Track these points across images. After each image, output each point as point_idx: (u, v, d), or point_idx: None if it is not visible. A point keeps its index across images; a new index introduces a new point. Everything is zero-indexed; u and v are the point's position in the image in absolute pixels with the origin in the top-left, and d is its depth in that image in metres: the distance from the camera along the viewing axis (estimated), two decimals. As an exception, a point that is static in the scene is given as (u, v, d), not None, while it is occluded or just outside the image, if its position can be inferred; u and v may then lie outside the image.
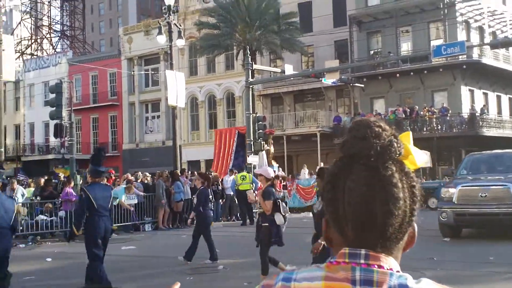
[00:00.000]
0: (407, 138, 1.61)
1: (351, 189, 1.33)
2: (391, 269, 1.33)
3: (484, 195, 14.48)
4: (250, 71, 31.18)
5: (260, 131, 30.39)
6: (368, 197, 1.31)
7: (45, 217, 20.02)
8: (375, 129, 1.37)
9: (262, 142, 30.39)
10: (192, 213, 14.58)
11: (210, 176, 25.31)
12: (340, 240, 1.38)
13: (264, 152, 30.68)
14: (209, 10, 44.41)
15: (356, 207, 1.32)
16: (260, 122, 30.93)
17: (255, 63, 35.74)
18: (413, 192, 1.36)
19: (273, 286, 1.38)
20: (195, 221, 14.23)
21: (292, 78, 39.44)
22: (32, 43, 78.11)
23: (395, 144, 1.36)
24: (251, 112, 30.73)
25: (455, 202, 14.87)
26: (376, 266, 1.32)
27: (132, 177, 24.24)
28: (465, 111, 39.62)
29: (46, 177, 24.26)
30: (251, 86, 31.84)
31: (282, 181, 28.80)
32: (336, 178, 1.37)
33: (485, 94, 43.29)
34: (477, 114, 39.21)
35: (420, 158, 1.52)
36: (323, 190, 1.41)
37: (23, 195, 21.73)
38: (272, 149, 33.49)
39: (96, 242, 9.47)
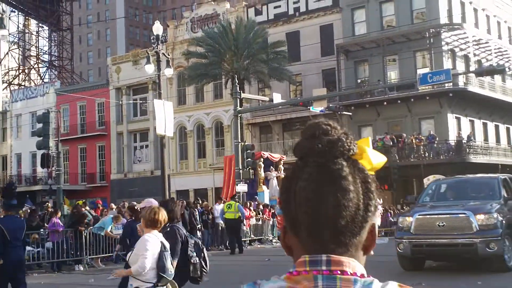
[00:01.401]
0: (366, 142, 1.59)
1: (301, 187, 1.30)
2: (354, 273, 1.29)
3: (442, 224, 13.25)
4: (238, 100, 31.31)
5: (249, 159, 30.41)
6: (317, 192, 1.29)
7: (31, 248, 19.80)
8: (323, 127, 1.36)
9: (251, 171, 30.39)
10: (118, 245, 14.32)
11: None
12: (298, 245, 1.34)
13: (274, 178, 30.67)
14: (197, 39, 44.67)
15: (307, 204, 1.29)
16: (249, 151, 30.96)
17: (244, 92, 35.90)
18: (367, 187, 1.33)
19: None
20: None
21: (280, 107, 39.56)
22: (19, 73, 78.12)
23: (344, 140, 1.34)
24: (239, 141, 30.79)
25: (412, 232, 13.60)
26: (339, 272, 1.28)
27: (121, 206, 24.09)
28: (452, 138, 39.87)
29: (31, 208, 24.08)
30: (239, 114, 31.94)
31: (271, 209, 28.76)
32: (289, 181, 1.34)
33: (472, 121, 43.62)
34: (464, 141, 39.46)
35: (376, 158, 1.49)
36: (279, 195, 1.39)
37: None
38: (278, 173, 33.20)
39: (7, 273, 9.63)
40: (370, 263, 1.58)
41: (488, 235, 12.86)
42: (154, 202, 7.72)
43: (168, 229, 6.93)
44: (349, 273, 1.28)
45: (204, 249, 7.63)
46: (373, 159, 1.44)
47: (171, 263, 6.38)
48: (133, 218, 13.27)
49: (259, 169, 32.94)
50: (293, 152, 1.39)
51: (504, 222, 13.19)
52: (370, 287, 1.27)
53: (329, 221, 1.28)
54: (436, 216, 13.63)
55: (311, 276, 1.28)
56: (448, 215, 13.48)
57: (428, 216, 13.82)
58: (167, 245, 6.39)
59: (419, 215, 13.83)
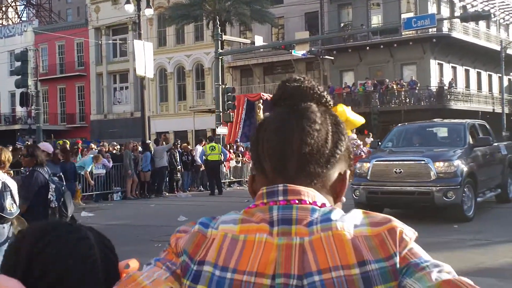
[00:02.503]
0: (343, 113, 1.60)
1: (270, 124, 1.31)
2: (314, 202, 1.25)
3: (399, 171, 12.73)
4: (219, 42, 30.92)
5: (229, 102, 30.26)
6: (284, 127, 1.28)
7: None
8: (296, 77, 1.36)
9: (232, 114, 30.30)
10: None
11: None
12: (262, 180, 1.32)
13: None
14: (179, -21, 43.86)
15: (272, 138, 1.29)
16: (229, 94, 30.77)
17: (225, 34, 35.46)
18: (338, 129, 1.32)
19: (190, 230, 1.32)
20: None
21: (262, 50, 39.24)
22: (-4, 12, 76.47)
23: (316, 87, 1.35)
24: (220, 84, 30.57)
25: (369, 179, 13.12)
26: (296, 201, 1.24)
27: (100, 147, 23.98)
28: (434, 85, 39.93)
29: (12, 147, 23.87)
30: (220, 57, 31.62)
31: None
32: (259, 125, 1.35)
33: (454, 68, 43.66)
34: (445, 87, 39.55)
35: (352, 113, 1.48)
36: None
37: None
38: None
39: None
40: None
41: (446, 183, 12.44)
42: (47, 146, 8.85)
43: (28, 173, 7.19)
44: (308, 202, 1.24)
45: (67, 194, 7.60)
46: (348, 113, 1.44)
47: (14, 203, 6.41)
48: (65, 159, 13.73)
49: (258, 111, 32.80)
50: (271, 100, 1.42)
51: (465, 170, 12.76)
52: (329, 216, 1.22)
53: (293, 150, 1.27)
54: (393, 162, 13.12)
55: (267, 208, 1.24)
56: (406, 162, 12.94)
57: (385, 162, 13.27)
58: (12, 185, 6.46)
59: (376, 161, 13.33)
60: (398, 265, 1.18)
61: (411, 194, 12.78)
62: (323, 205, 1.25)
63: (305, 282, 1.17)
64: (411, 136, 15.00)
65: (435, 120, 16.75)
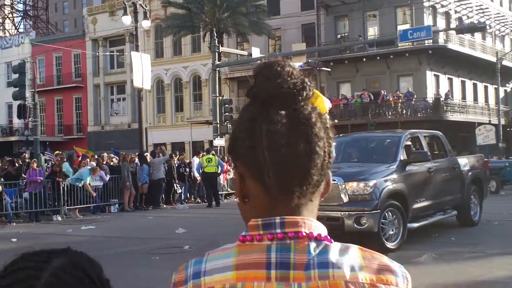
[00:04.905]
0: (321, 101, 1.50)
1: (271, 131, 1.21)
2: (311, 233, 1.23)
3: None
4: (217, 54, 31.07)
5: (226, 114, 30.33)
6: (290, 138, 1.21)
7: (9, 199, 19.76)
8: (287, 68, 1.27)
9: (229, 125, 30.34)
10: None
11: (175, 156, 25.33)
12: (259, 190, 1.25)
13: None
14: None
15: (278, 150, 1.20)
16: (227, 105, 30.88)
17: (222, 46, 35.59)
18: (328, 133, 1.27)
19: (185, 286, 1.26)
20: None
21: (259, 61, 39.27)
22: (-6, 23, 76.59)
23: (308, 83, 1.27)
24: (217, 95, 30.65)
25: None
26: (293, 234, 1.21)
27: (99, 158, 24.01)
28: (430, 96, 40.04)
29: (9, 158, 23.94)
30: (217, 69, 31.72)
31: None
32: (252, 123, 1.24)
33: (450, 79, 43.80)
34: (441, 99, 39.67)
35: (327, 103, 1.42)
36: (235, 140, 1.28)
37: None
38: None
39: None
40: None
41: (358, 207, 10.80)
42: None
43: None
44: (305, 233, 1.22)
45: None
46: (326, 104, 1.33)
47: None
48: None
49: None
50: (250, 92, 1.29)
51: (386, 191, 11.05)
52: (326, 258, 1.21)
53: (300, 168, 1.22)
54: None
55: (264, 248, 1.21)
56: None
57: None
58: None
59: None
60: None
61: (321, 219, 11.77)
62: (319, 236, 1.24)
63: None
64: (349, 150, 13.31)
65: (374, 132, 15.35)
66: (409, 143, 13.23)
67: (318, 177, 1.24)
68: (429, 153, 12.89)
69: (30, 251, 1.20)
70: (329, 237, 1.26)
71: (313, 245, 1.22)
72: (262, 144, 1.21)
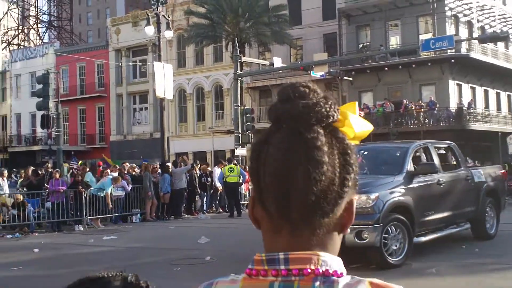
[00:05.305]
0: (352, 107, 1.40)
1: (271, 155, 1.16)
2: (316, 269, 1.15)
3: None
4: (238, 63, 31.13)
5: (248, 123, 30.38)
6: (287, 162, 1.14)
7: (32, 208, 19.93)
8: (300, 89, 1.20)
9: (250, 135, 30.37)
10: None
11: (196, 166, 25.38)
12: (265, 219, 1.21)
13: None
14: None
15: (275, 174, 1.15)
16: (248, 115, 30.91)
17: (244, 56, 35.68)
18: (346, 160, 1.18)
19: None
20: None
21: (280, 71, 39.34)
22: (18, 33, 77.53)
23: (323, 105, 1.18)
24: (239, 105, 30.72)
25: None
26: (297, 271, 1.15)
27: (120, 168, 24.15)
28: (453, 105, 39.76)
29: (32, 168, 24.17)
30: (239, 78, 31.81)
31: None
32: (259, 146, 1.20)
33: (473, 89, 43.46)
34: (464, 108, 39.36)
35: (360, 126, 1.30)
36: (249, 160, 1.24)
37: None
38: None
39: None
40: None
41: (360, 221, 10.25)
42: None
43: None
44: (310, 270, 1.15)
45: None
46: (356, 127, 1.25)
47: None
48: None
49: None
50: (268, 115, 1.24)
51: (389, 204, 10.72)
52: None
53: (298, 196, 1.14)
54: None
55: (267, 285, 1.16)
56: None
57: None
58: None
59: None
60: None
61: None
62: (327, 271, 1.16)
63: None
64: (362, 161, 12.40)
65: (384, 143, 14.88)
66: (418, 154, 12.89)
67: (324, 205, 1.16)
68: (437, 165, 12.43)
69: (86, 276, 1.24)
70: (340, 271, 1.18)
71: (318, 282, 1.14)
72: (264, 167, 1.17)
